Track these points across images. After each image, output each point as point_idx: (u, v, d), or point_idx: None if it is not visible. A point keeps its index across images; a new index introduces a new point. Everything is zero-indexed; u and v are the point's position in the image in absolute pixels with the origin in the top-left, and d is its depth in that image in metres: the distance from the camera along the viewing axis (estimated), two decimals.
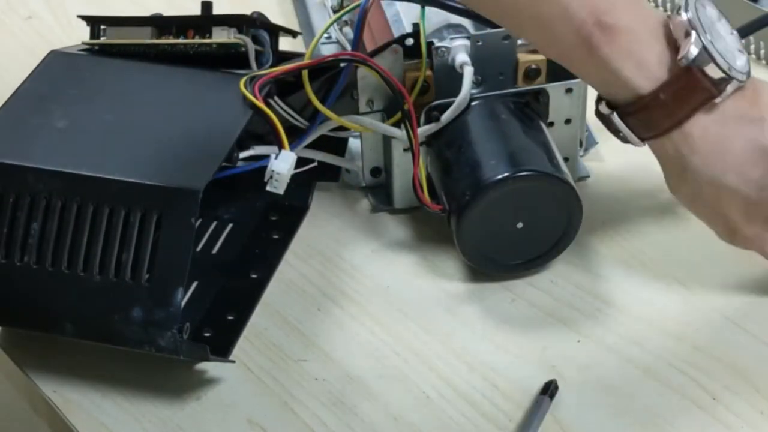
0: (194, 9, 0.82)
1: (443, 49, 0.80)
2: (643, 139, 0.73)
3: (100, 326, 0.71)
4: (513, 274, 0.79)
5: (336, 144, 0.84)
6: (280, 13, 1.04)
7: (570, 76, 0.81)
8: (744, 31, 0.87)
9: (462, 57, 0.80)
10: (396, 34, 0.85)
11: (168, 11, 0.84)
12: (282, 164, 0.73)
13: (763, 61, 0.96)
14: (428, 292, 0.78)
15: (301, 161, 0.83)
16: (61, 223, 0.71)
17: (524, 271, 0.79)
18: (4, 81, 0.99)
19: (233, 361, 0.74)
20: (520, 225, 0.77)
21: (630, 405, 0.72)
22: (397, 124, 0.80)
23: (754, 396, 0.71)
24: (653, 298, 0.78)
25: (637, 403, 0.72)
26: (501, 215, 0.77)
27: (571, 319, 0.77)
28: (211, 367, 0.74)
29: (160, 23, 0.81)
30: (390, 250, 0.82)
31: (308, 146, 0.81)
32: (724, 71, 0.70)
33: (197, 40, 0.79)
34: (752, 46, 0.96)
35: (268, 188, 0.73)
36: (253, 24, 0.79)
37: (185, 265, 0.69)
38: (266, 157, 0.75)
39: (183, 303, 0.70)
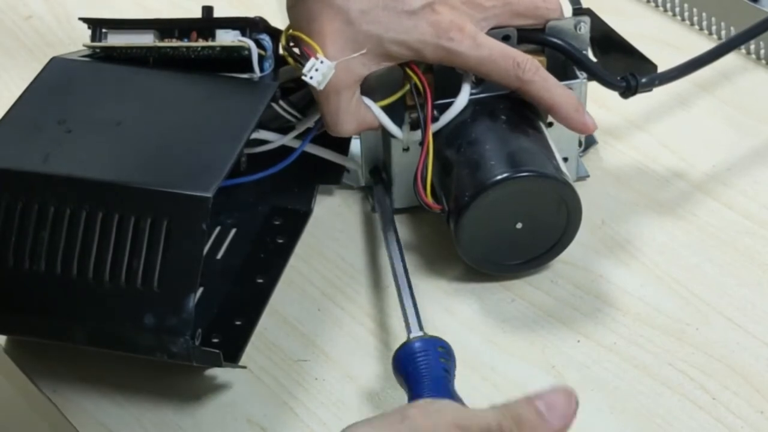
0: (195, 8, 0.82)
1: None
2: None
3: (112, 333, 0.70)
4: (513, 274, 0.79)
5: (339, 143, 0.84)
6: (281, 18, 1.04)
7: (570, 76, 0.82)
8: (747, 35, 0.87)
9: None
10: None
11: (170, 10, 0.84)
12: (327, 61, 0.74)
13: (763, 61, 0.96)
14: (428, 292, 0.78)
15: (303, 161, 0.83)
16: (70, 230, 0.70)
17: (524, 271, 0.79)
18: (4, 81, 1.00)
19: (245, 367, 0.74)
20: (519, 225, 0.77)
21: (629, 405, 0.72)
22: (396, 117, 0.80)
23: (754, 396, 0.72)
24: (653, 298, 0.78)
25: (636, 403, 0.72)
26: (500, 216, 0.77)
27: (571, 319, 0.77)
28: (210, 368, 0.75)
29: (162, 26, 0.80)
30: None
31: (312, 142, 0.82)
32: None
33: (200, 43, 0.78)
34: (752, 46, 0.96)
35: (303, 77, 0.74)
36: (256, 27, 0.79)
37: (197, 272, 0.69)
38: (269, 168, 0.80)
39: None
